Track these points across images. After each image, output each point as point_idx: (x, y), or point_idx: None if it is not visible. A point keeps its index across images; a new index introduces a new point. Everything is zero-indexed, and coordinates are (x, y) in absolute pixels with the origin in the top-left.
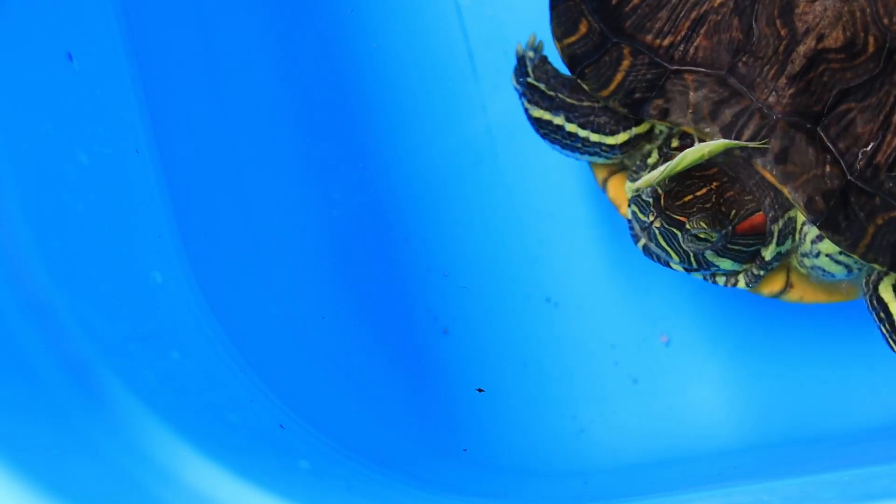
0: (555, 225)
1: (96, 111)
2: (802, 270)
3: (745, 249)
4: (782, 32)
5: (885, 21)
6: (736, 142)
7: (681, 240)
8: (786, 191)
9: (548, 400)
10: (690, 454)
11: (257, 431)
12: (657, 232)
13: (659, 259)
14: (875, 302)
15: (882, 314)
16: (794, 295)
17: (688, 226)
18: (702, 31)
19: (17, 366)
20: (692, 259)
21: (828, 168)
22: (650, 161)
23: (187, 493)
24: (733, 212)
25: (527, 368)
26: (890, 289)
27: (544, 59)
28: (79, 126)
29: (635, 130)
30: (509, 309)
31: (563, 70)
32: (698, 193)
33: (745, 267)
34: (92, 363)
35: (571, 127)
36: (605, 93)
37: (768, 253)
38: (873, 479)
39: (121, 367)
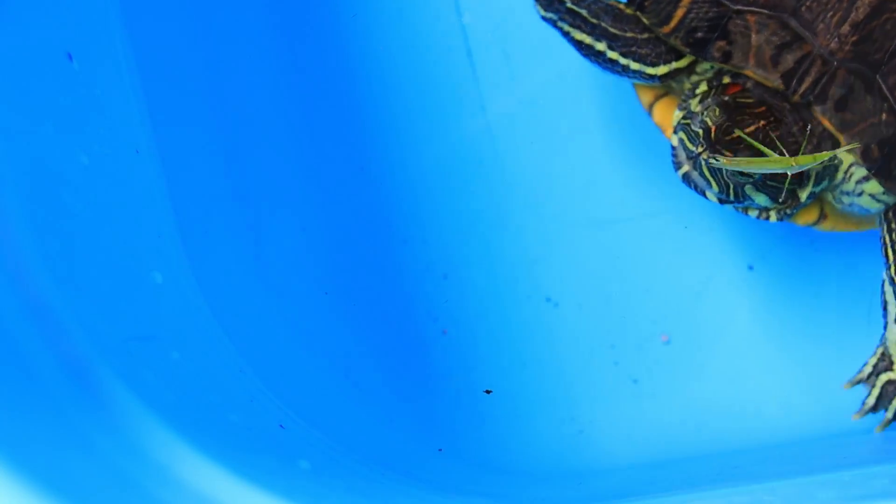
0: (555, 225)
1: (96, 111)
2: (837, 206)
3: (782, 187)
4: None
5: None
6: (844, 152)
7: (725, 172)
8: (842, 138)
9: (547, 400)
10: (690, 454)
11: (257, 431)
12: (703, 163)
13: (696, 187)
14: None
15: None
16: (827, 225)
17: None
18: None
19: (17, 366)
20: (731, 190)
21: (884, 116)
22: (699, 91)
23: (187, 493)
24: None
25: (526, 369)
26: None
27: None
28: (79, 126)
29: (675, 65)
30: (509, 309)
31: None
32: (747, 130)
33: (776, 205)
34: (92, 363)
35: (613, 54)
36: (666, 29)
37: (804, 194)
38: (873, 479)
39: (121, 367)
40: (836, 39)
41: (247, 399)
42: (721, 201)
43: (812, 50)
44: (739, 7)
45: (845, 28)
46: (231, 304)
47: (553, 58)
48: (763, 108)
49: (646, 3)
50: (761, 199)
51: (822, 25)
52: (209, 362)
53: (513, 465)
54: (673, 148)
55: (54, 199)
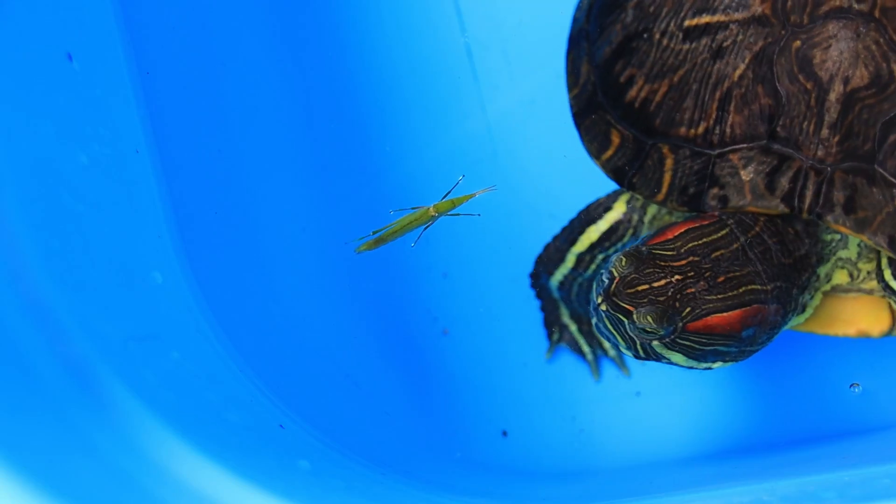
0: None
1: (96, 111)
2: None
3: (699, 347)
4: (808, 86)
5: None
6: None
7: (627, 328)
8: (864, 238)
9: (548, 401)
10: (690, 454)
11: (257, 431)
12: (604, 315)
13: (609, 341)
14: None
15: None
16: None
17: (634, 317)
18: (731, 108)
19: (17, 366)
20: (639, 348)
21: None
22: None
23: (187, 493)
24: (688, 309)
25: (526, 368)
26: None
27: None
28: (79, 126)
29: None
30: (509, 309)
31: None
32: (655, 284)
33: (700, 364)
34: (92, 363)
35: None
36: (660, 197)
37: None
38: (873, 479)
39: (121, 367)
40: (822, 146)
41: (247, 399)
42: (638, 357)
43: (802, 165)
44: (720, 150)
45: (824, 132)
46: (231, 304)
47: (553, 58)
48: (684, 262)
49: (634, 181)
50: (677, 358)
51: (801, 138)
52: (209, 362)
53: (512, 465)
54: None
55: (54, 199)
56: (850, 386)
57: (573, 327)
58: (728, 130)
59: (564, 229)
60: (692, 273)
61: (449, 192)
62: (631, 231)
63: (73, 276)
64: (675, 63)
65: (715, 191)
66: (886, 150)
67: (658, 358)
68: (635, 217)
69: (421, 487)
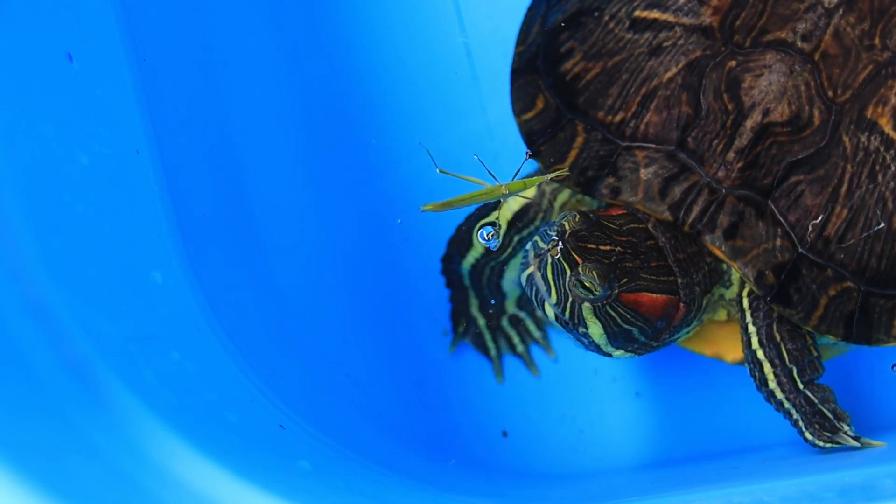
0: None
1: (96, 111)
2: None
3: (620, 322)
4: (729, 107)
5: (830, 94)
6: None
7: (567, 279)
8: (735, 266)
9: (548, 401)
10: (690, 454)
11: (257, 431)
12: (549, 262)
13: (537, 294)
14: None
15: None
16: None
17: (580, 268)
18: (651, 106)
19: (17, 366)
20: (568, 306)
21: (778, 241)
22: (557, 203)
23: (187, 493)
24: (625, 279)
25: (526, 369)
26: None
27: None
28: (79, 126)
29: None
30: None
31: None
32: (602, 247)
33: (610, 348)
34: (92, 363)
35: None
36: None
37: (681, 333)
38: (873, 479)
39: (121, 367)
40: (723, 167)
41: (247, 399)
42: (557, 319)
43: (699, 180)
44: (628, 143)
45: (730, 155)
46: (231, 304)
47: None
48: (625, 238)
49: (542, 148)
50: (595, 329)
51: (707, 154)
52: (209, 362)
53: (512, 465)
54: (525, 250)
55: (54, 199)
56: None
57: (481, 321)
58: (642, 127)
59: (477, 210)
60: (630, 250)
61: (518, 172)
62: (541, 215)
63: (73, 276)
64: (614, 48)
65: (611, 180)
66: (783, 190)
67: (577, 326)
68: (545, 202)
69: (421, 487)
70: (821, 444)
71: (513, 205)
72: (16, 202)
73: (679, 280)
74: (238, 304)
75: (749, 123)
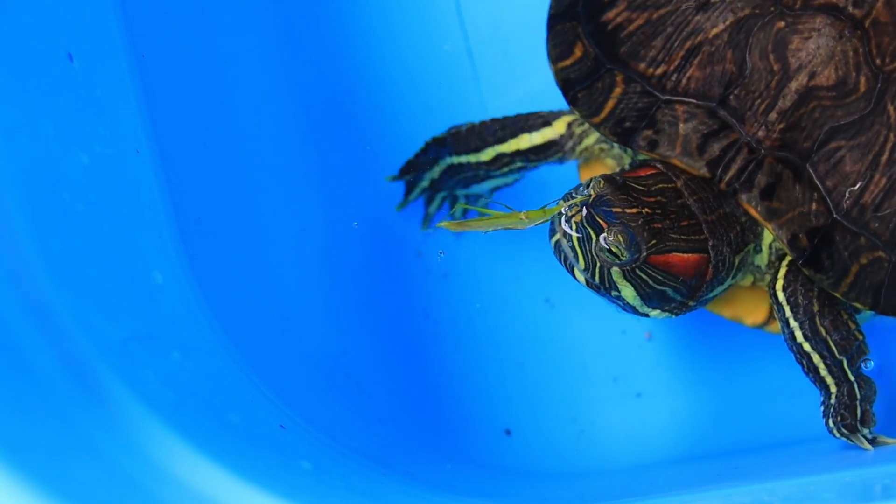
0: None
1: (96, 111)
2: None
3: (651, 283)
4: (775, 67)
5: (878, 62)
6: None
7: (593, 245)
8: (770, 227)
9: (548, 401)
10: (690, 454)
11: (258, 432)
12: (575, 228)
13: (565, 260)
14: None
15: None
16: (774, 327)
17: (605, 234)
18: (695, 61)
19: (17, 366)
20: (597, 272)
21: (814, 206)
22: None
23: (187, 493)
24: (653, 241)
25: (526, 369)
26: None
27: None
28: (79, 126)
29: (549, 134)
30: (509, 309)
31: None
32: (628, 210)
33: (647, 308)
34: (92, 363)
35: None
36: (596, 120)
37: (714, 290)
38: (873, 479)
39: (121, 367)
40: (764, 128)
41: (247, 399)
42: (588, 284)
43: (739, 138)
44: (668, 97)
45: (772, 116)
46: (231, 304)
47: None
48: (653, 199)
49: (579, 95)
50: (627, 292)
51: (749, 114)
52: (209, 362)
53: (513, 465)
54: (552, 217)
55: (54, 199)
56: None
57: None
58: (684, 81)
59: (495, 122)
60: (659, 210)
61: (546, 204)
62: (560, 154)
63: (74, 276)
64: (661, 1)
65: (648, 133)
66: (823, 154)
67: (609, 289)
68: (569, 143)
69: (421, 487)
70: (836, 434)
71: (536, 138)
72: (16, 202)
73: (710, 241)
74: (238, 304)
75: (794, 85)
